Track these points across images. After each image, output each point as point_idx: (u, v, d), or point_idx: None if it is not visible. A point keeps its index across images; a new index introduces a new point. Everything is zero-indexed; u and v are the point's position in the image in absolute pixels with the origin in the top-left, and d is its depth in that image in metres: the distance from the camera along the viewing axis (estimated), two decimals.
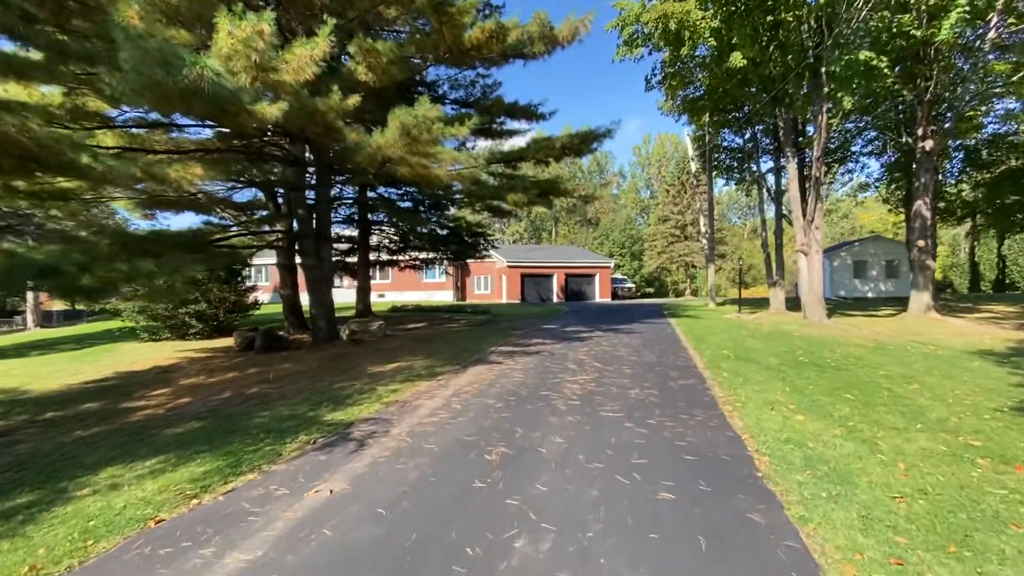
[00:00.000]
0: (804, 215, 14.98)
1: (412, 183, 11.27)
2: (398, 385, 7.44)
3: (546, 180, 11.87)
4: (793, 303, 20.85)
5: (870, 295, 29.22)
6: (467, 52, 10.19)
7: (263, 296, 40.65)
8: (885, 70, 12.89)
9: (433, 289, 36.17)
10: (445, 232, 21.54)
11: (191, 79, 5.05)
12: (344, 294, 37.66)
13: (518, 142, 13.19)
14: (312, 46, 6.51)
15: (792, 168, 15.53)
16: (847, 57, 12.25)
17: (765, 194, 22.06)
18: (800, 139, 18.06)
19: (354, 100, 8.23)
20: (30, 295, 27.69)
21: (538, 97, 22.61)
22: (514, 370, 8.17)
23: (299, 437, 5.12)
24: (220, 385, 8.97)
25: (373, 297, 37.50)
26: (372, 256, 23.10)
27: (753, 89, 19.48)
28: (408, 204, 19.80)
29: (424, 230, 19.49)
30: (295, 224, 12.11)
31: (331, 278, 12.08)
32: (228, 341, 14.62)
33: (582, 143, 12.32)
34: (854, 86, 12.86)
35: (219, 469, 4.32)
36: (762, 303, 25.75)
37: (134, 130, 10.25)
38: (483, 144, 14.68)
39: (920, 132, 16.41)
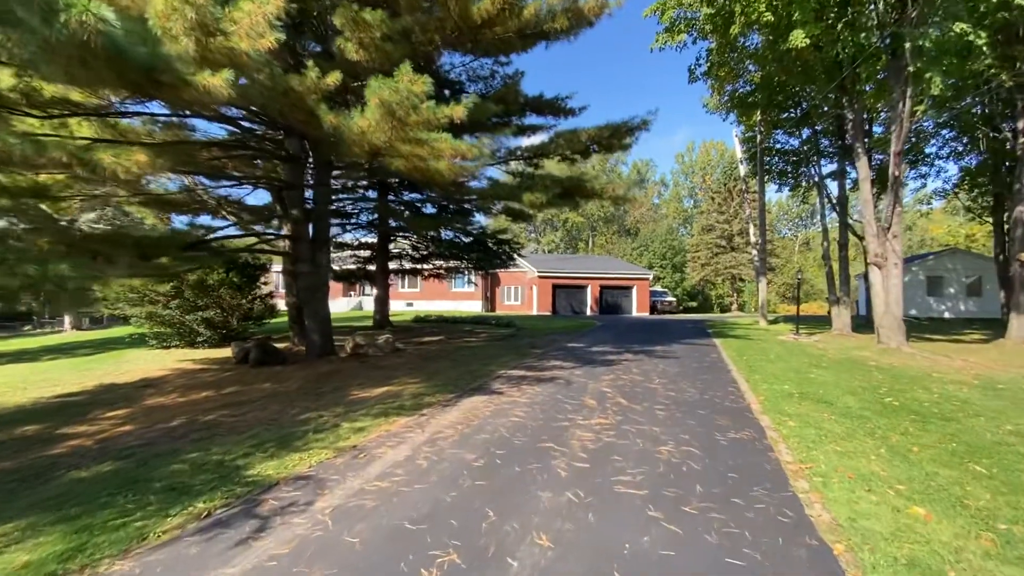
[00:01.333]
0: (878, 221, 12.75)
1: (410, 179, 9.94)
2: (369, 421, 6.02)
3: (568, 178, 10.33)
4: (860, 323, 18.32)
5: (947, 315, 25.90)
6: (478, 29, 8.83)
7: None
8: (984, 47, 10.69)
9: (462, 299, 35.01)
10: (469, 240, 20.28)
11: (73, 28, 3.84)
12: (371, 302, 37.05)
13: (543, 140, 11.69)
14: (263, 1, 5.25)
15: (863, 167, 13.32)
16: (937, 31, 10.17)
17: (825, 201, 19.63)
18: (867, 139, 15.74)
19: (333, 78, 6.99)
20: None
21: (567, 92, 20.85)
22: (516, 405, 6.61)
23: (194, 504, 3.74)
24: (183, 408, 7.83)
25: (400, 306, 36.77)
26: (393, 265, 22.11)
27: (812, 89, 17.34)
28: (432, 210, 18.69)
29: (445, 236, 18.26)
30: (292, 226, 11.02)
31: (327, 286, 10.91)
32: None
33: (613, 136, 10.71)
34: (945, 66, 10.72)
35: (43, 563, 2.98)
36: (820, 322, 23.08)
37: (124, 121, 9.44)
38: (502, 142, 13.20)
39: (1021, 126, 13.89)
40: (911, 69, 10.68)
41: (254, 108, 7.87)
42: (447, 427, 5.62)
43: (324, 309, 10.70)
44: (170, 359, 14.01)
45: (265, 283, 19.72)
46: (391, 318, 27.47)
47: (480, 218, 20.55)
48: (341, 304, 37.20)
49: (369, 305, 37.01)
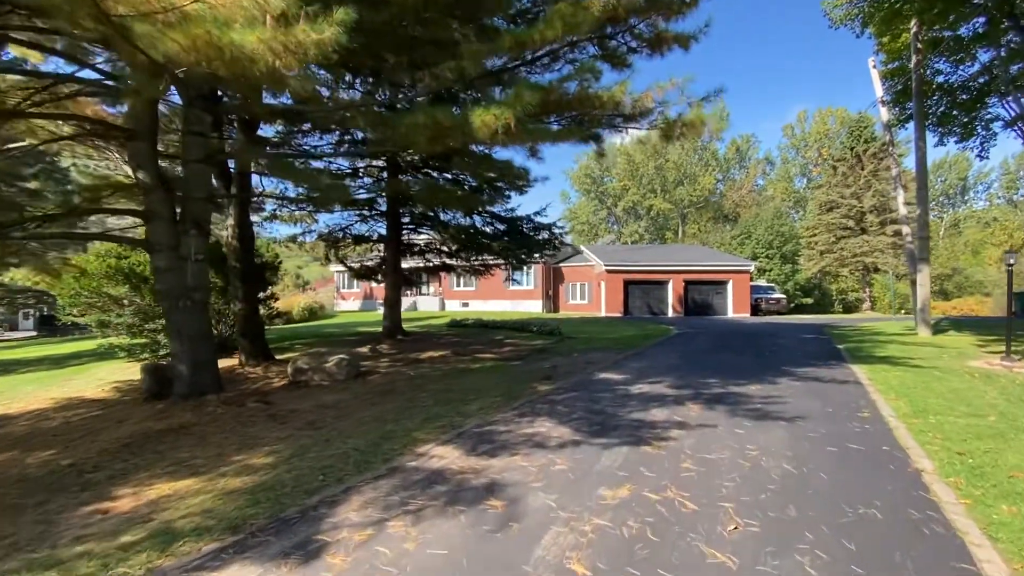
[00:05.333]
0: None
1: (218, 80, 5.76)
2: None
3: (559, 80, 5.62)
4: None
5: None
6: None
7: (351, 303, 39.03)
8: None
9: (520, 298, 30.76)
10: (503, 227, 16.04)
11: None
12: (428, 302, 34.08)
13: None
14: None
15: None
16: None
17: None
18: None
19: None
20: None
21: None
22: None
23: None
24: None
25: (456, 306, 33.31)
26: (411, 263, 18.50)
27: None
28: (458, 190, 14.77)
29: (449, 217, 14.23)
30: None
31: (204, 290, 7.20)
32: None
33: None
34: None
35: None
36: (1000, 326, 15.54)
37: None
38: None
39: None
40: None
41: None
42: None
43: (196, 324, 6.97)
44: (115, 378, 11.50)
45: (272, 283, 16.82)
46: (436, 318, 24.01)
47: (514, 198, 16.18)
48: None
49: (425, 305, 34.12)
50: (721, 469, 4.06)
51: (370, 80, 11.99)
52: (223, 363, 11.99)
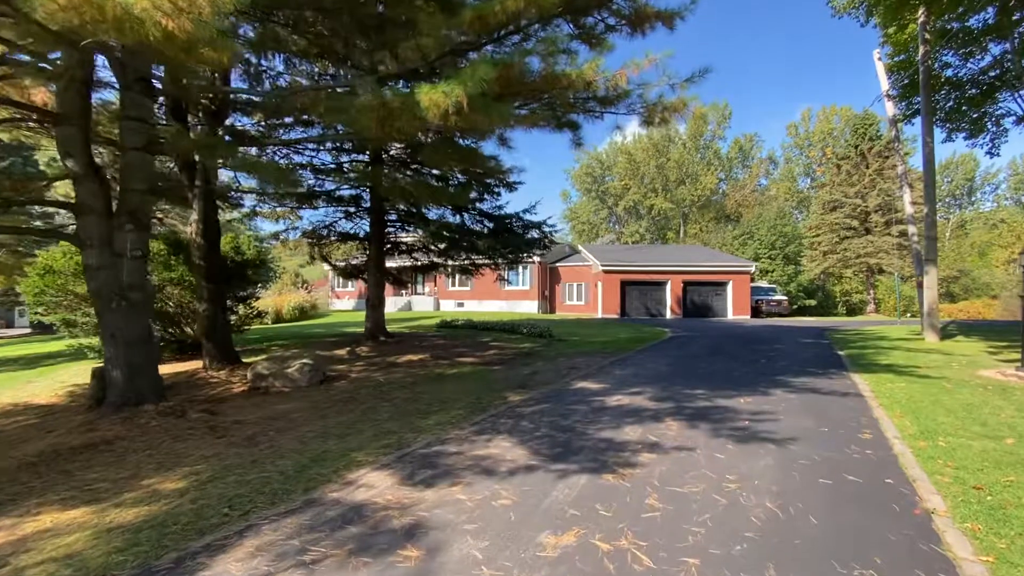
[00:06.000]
0: None
1: (103, 46, 5.11)
2: None
3: (519, 52, 4.96)
4: None
5: None
6: None
7: (346, 303, 38.43)
8: None
9: (516, 299, 30.09)
10: (491, 225, 15.46)
11: None
12: (422, 302, 33.45)
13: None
14: None
15: None
16: None
17: None
18: None
19: None
20: None
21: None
22: None
23: None
24: None
25: (451, 306, 32.70)
26: (396, 263, 17.97)
27: None
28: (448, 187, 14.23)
29: (437, 215, 13.66)
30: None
31: (142, 289, 6.58)
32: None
33: None
34: None
35: None
36: (1012, 331, 14.82)
37: None
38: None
39: None
40: None
41: None
42: None
43: (133, 327, 6.36)
44: (76, 380, 10.93)
45: (256, 281, 16.13)
46: (428, 319, 23.41)
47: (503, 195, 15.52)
48: (387, 305, 34.06)
49: (420, 306, 33.49)
50: (691, 508, 3.42)
51: (352, 68, 11.47)
52: (189, 366, 11.49)
